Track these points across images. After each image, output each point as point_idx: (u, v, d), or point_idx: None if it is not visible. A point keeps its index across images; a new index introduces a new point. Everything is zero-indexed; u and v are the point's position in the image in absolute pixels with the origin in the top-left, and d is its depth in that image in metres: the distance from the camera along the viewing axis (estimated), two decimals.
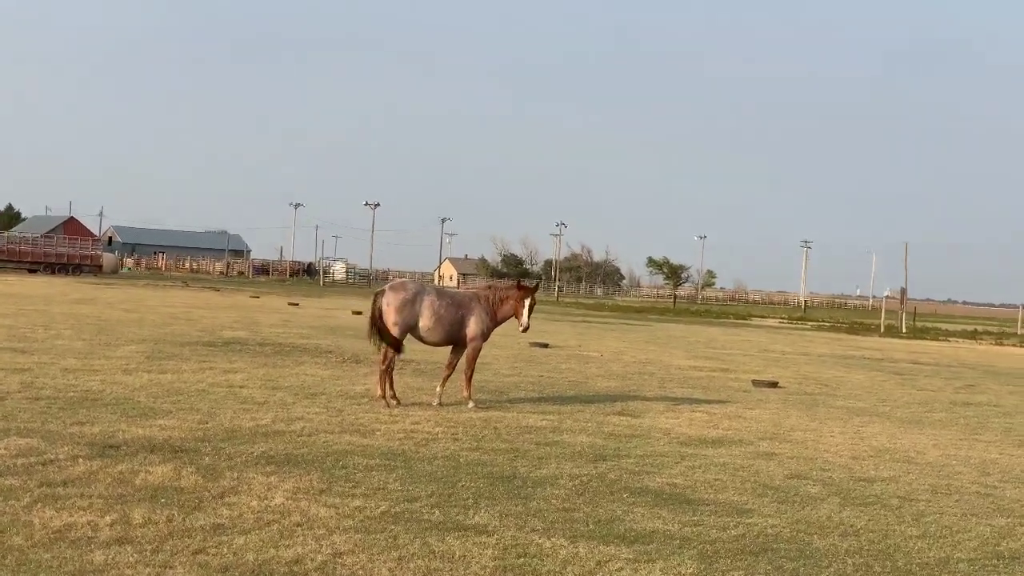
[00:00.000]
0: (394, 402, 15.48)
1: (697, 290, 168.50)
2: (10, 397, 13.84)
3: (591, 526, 9.07)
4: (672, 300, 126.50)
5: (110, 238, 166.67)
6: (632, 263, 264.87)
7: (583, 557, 8.10)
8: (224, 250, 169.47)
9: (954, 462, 13.99)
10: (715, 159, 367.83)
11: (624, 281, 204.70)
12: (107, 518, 8.24)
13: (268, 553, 7.66)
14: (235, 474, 10.07)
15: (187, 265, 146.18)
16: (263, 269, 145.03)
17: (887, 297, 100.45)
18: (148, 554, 7.47)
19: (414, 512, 9.09)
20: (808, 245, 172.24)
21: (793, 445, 14.46)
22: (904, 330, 72.90)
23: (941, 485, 12.18)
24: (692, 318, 79.21)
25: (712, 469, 12.14)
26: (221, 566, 7.33)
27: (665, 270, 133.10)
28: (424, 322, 15.68)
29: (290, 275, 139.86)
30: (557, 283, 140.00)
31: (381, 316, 15.66)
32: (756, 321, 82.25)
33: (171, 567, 7.25)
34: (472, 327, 16.00)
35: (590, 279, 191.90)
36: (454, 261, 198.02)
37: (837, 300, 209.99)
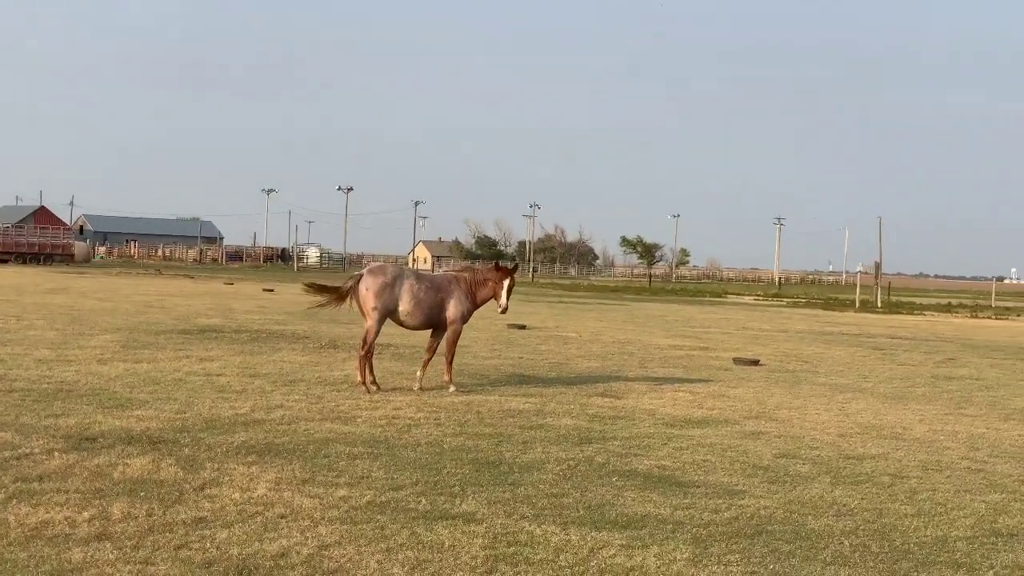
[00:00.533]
0: (375, 387, 15.27)
1: (671, 268, 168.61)
2: None
3: (581, 511, 8.88)
4: (648, 279, 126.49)
5: (81, 227, 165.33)
6: (606, 242, 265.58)
7: (575, 544, 7.91)
8: (197, 237, 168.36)
9: (942, 437, 13.88)
10: (687, 137, 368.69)
11: (598, 261, 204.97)
12: (85, 514, 8.00)
13: (252, 547, 7.44)
14: (215, 465, 9.83)
15: (160, 253, 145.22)
16: (237, 255, 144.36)
17: (860, 272, 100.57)
18: (128, 550, 7.23)
19: (400, 501, 8.88)
20: (781, 222, 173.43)
21: (779, 424, 14.32)
22: (879, 305, 73.09)
23: (931, 461, 12.05)
24: (668, 296, 79.32)
25: (700, 450, 11.98)
26: (204, 561, 7.11)
27: (639, 249, 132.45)
28: (404, 306, 15.47)
29: (264, 261, 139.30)
30: (532, 264, 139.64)
31: (359, 300, 15.46)
32: (732, 299, 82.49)
33: (153, 563, 7.01)
34: (452, 310, 15.80)
35: (564, 260, 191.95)
36: (428, 244, 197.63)
37: (810, 276, 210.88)
